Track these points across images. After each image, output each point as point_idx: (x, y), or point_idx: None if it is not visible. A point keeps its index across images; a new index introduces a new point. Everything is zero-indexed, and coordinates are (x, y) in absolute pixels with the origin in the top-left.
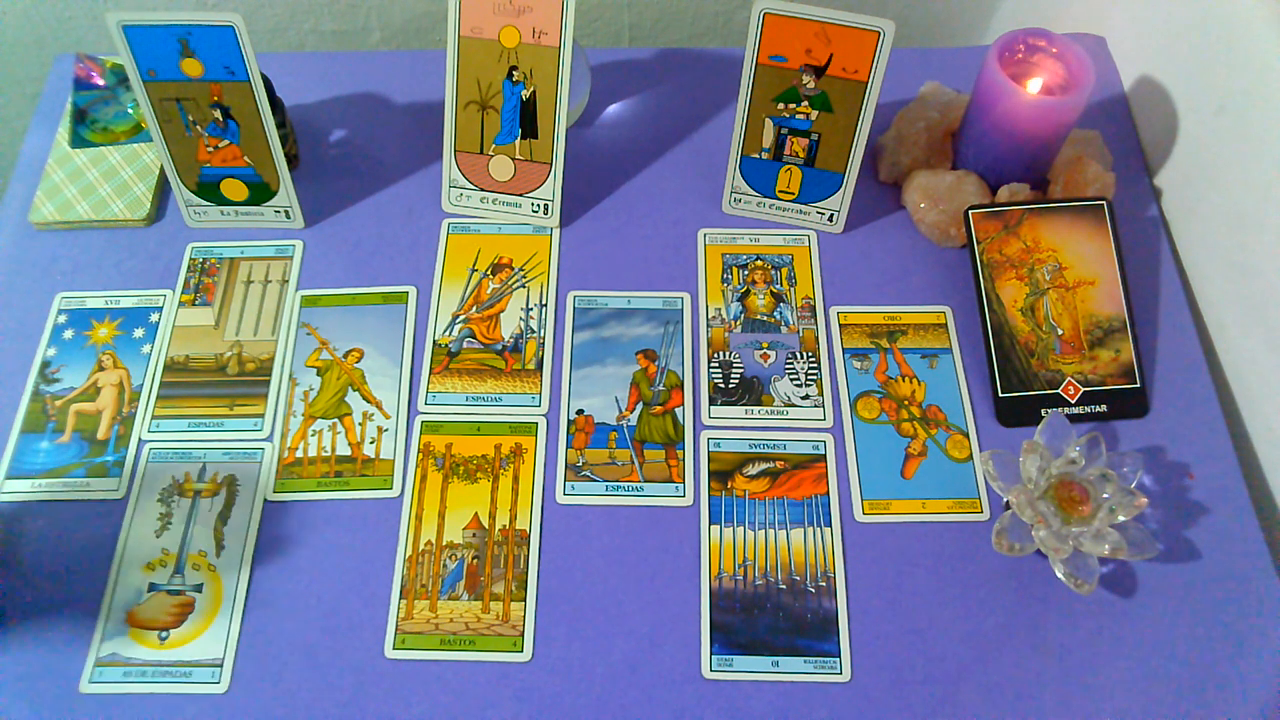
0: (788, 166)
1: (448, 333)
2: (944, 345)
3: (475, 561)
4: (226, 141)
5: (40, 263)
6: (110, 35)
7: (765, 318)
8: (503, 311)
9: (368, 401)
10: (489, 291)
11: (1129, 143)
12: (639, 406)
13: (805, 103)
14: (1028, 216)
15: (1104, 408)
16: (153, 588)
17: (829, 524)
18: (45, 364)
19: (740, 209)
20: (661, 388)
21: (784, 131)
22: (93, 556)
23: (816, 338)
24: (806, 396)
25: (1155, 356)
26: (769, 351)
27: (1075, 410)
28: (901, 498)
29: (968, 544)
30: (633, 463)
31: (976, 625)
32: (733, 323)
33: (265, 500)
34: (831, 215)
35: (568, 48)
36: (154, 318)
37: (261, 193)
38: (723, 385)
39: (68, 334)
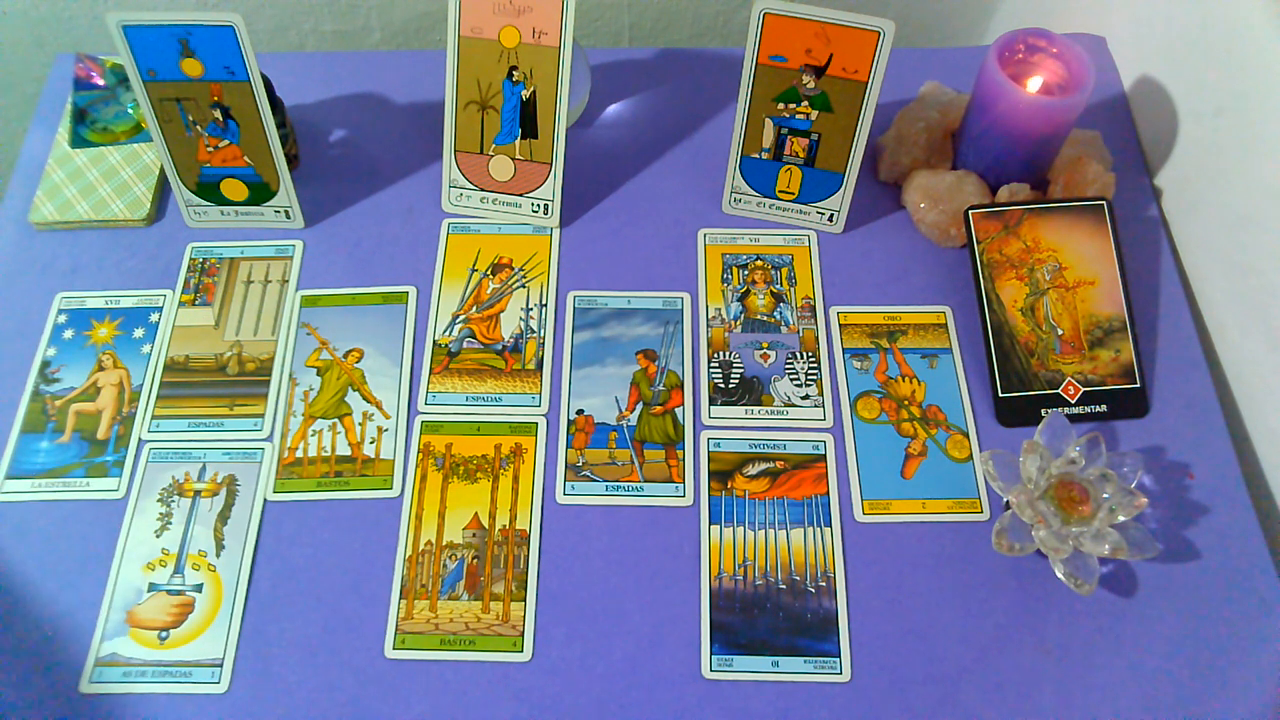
0: (788, 166)
1: (448, 333)
2: (944, 345)
3: (475, 561)
4: (226, 141)
5: (40, 263)
6: (110, 35)
7: (765, 318)
8: (503, 311)
9: (368, 401)
10: (489, 291)
11: (1129, 143)
12: (639, 406)
13: (805, 103)
14: (1028, 216)
15: (1104, 408)
16: (153, 588)
17: (829, 524)
18: (45, 364)
19: (740, 209)
20: (661, 388)
21: (784, 131)
22: (93, 556)
23: (816, 338)
24: (806, 396)
25: (1155, 356)
26: (769, 351)
27: (1075, 410)
28: (901, 498)
29: (968, 544)
30: (633, 463)
31: (976, 625)
32: (733, 323)
33: (265, 500)
34: (831, 215)
35: (568, 48)
36: (154, 318)
37: (261, 193)
38: (723, 385)
39: (68, 334)
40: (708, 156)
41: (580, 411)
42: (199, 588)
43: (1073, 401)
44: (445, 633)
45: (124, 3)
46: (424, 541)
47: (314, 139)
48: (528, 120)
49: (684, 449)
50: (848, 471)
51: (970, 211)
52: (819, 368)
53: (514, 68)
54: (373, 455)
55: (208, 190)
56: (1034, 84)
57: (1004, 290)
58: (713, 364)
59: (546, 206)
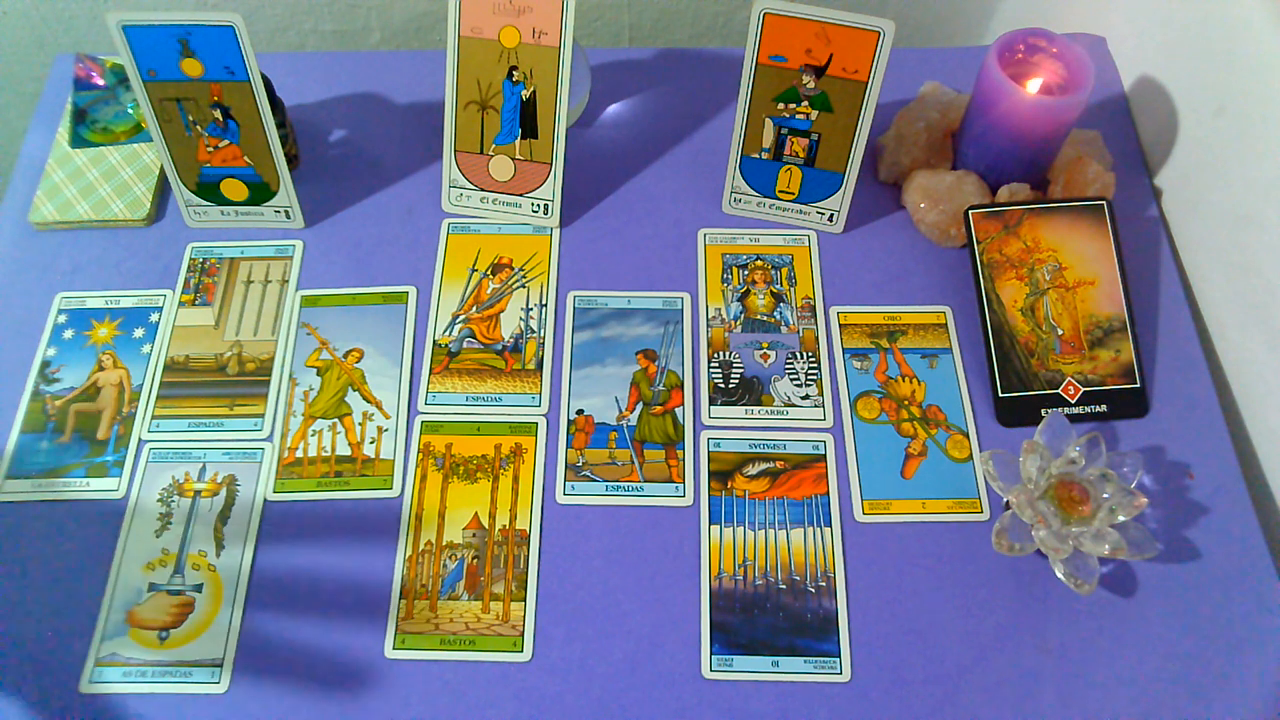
0: (788, 166)
1: (448, 333)
2: (944, 345)
3: (475, 561)
4: (226, 141)
5: (40, 263)
6: (110, 35)
7: (765, 318)
8: (503, 311)
9: (368, 401)
10: (489, 291)
11: (1129, 143)
12: (639, 406)
13: (805, 103)
14: (1028, 216)
15: (1104, 408)
16: (153, 588)
17: (829, 524)
18: (45, 364)
19: (740, 209)
20: (661, 388)
21: (784, 131)
22: (93, 556)
23: (816, 338)
24: (806, 396)
25: (1155, 356)
26: (769, 351)
27: (1075, 410)
28: (901, 498)
29: (968, 544)
30: (633, 463)
31: (976, 625)
32: (733, 323)
33: (265, 500)
34: (831, 215)
35: (568, 48)
36: (154, 318)
37: (261, 193)
38: (723, 385)
39: (68, 334)
40: (708, 156)
41: (580, 411)
42: (199, 588)
43: (1073, 401)
44: (445, 633)
45: (124, 3)
46: (424, 541)
47: (314, 139)
48: (528, 120)
49: (684, 449)
50: (848, 471)
51: (970, 211)
52: (819, 368)
53: (514, 68)
54: (373, 455)
55: (208, 190)
56: (1034, 84)
57: (1004, 290)
58: (713, 364)
59: (546, 206)
